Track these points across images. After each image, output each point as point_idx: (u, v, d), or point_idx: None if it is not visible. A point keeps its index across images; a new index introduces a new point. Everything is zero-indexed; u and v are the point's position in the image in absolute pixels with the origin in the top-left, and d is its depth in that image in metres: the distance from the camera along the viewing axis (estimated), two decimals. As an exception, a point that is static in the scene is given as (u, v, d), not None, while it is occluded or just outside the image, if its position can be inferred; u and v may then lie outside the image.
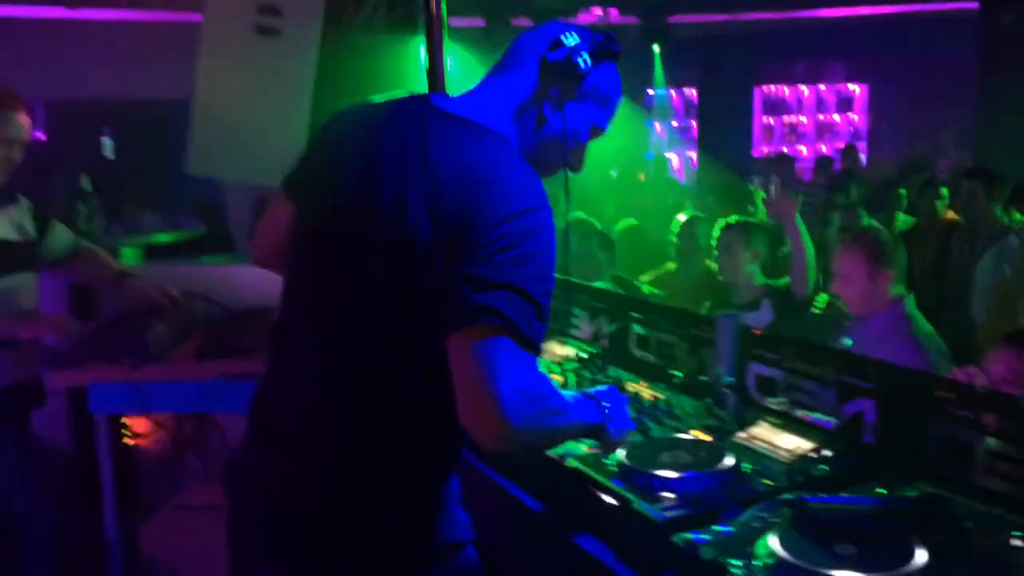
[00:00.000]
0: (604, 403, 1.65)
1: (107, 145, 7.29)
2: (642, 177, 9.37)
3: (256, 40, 3.60)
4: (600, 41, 1.56)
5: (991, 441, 1.60)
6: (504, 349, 1.28)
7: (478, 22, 7.73)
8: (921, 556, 1.31)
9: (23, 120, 2.71)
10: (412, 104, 1.53)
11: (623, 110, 1.74)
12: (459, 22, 4.58)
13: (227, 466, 1.62)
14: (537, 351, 1.33)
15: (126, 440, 3.25)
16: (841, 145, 10.48)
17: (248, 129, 3.56)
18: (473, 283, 1.30)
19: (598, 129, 1.64)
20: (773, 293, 3.61)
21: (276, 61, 3.60)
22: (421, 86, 3.36)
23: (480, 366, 1.27)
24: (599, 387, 1.77)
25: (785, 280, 3.65)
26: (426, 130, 1.45)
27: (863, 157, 10.05)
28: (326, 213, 1.51)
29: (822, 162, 8.83)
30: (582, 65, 1.52)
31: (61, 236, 3.00)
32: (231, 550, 1.59)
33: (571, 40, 1.53)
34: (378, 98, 1.60)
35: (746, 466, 1.73)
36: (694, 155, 11.39)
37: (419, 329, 1.39)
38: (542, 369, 1.45)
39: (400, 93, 1.60)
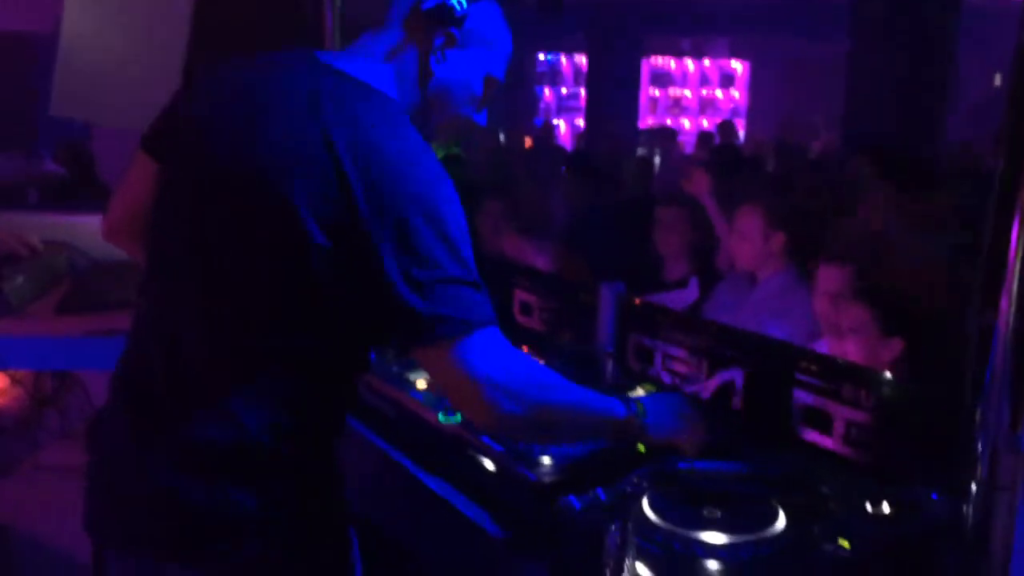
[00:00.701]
0: (636, 401, 1.56)
1: (-39, 80, 6.76)
2: (529, 142, 9.40)
3: (128, -28, 3.39)
4: None
5: (849, 411, 1.70)
6: (468, 348, 1.29)
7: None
8: (781, 519, 1.39)
9: None
10: (297, 59, 1.43)
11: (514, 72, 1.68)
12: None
13: (89, 436, 1.52)
14: (493, 322, 1.33)
15: (-21, 397, 3.07)
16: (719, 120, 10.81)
17: (116, 69, 3.35)
18: (411, 286, 1.26)
19: (493, 78, 1.55)
20: (702, 271, 3.67)
21: (149, -2, 3.40)
22: (311, 36, 3.24)
23: (452, 373, 1.30)
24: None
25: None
26: (318, 90, 1.35)
27: (741, 133, 10.39)
28: (198, 173, 1.40)
29: (703, 137, 9.09)
30: (457, 7, 1.43)
31: None
32: (92, 537, 1.48)
33: None
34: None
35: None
36: (582, 122, 11.51)
37: (300, 297, 1.33)
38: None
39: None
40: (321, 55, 1.44)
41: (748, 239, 3.16)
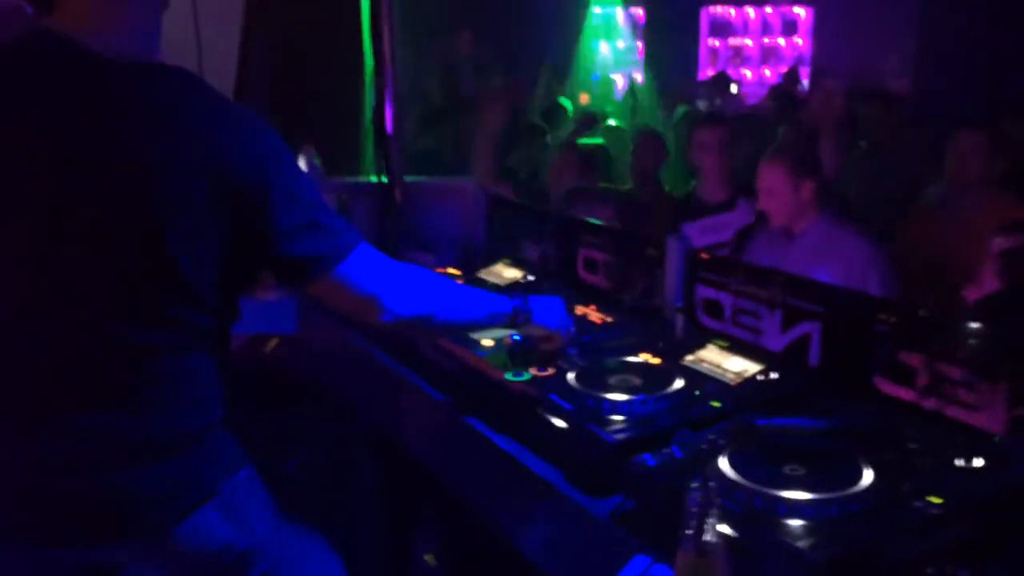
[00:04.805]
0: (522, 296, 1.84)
1: None
2: (585, 99, 9.25)
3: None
4: None
5: (932, 361, 1.62)
6: (347, 270, 1.49)
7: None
8: (868, 476, 1.33)
9: None
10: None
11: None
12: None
13: None
14: (358, 242, 1.51)
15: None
16: (784, 69, 10.46)
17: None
18: (281, 237, 1.42)
19: None
20: (752, 192, 3.57)
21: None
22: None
23: (345, 296, 1.53)
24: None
25: None
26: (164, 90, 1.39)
27: (805, 82, 10.06)
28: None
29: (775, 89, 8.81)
30: None
31: None
32: None
33: None
34: None
35: (695, 389, 1.74)
36: (639, 76, 11.27)
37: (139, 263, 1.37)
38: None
39: None
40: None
41: (776, 196, 3.01)
